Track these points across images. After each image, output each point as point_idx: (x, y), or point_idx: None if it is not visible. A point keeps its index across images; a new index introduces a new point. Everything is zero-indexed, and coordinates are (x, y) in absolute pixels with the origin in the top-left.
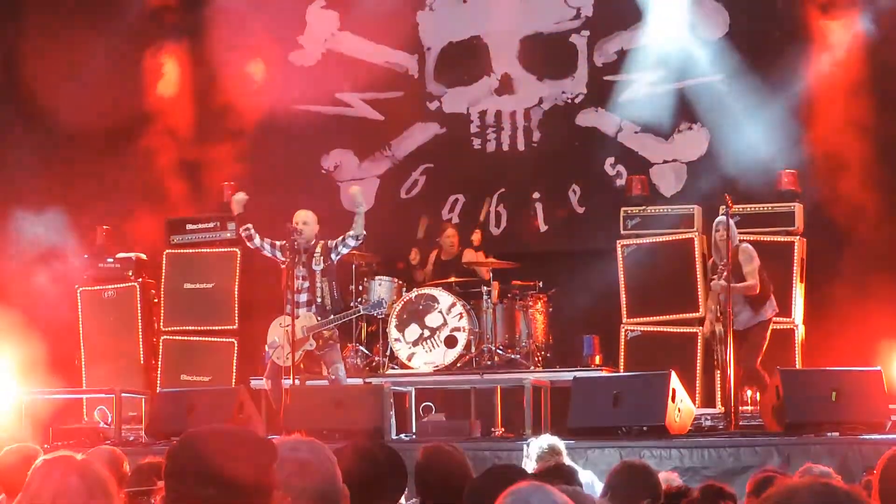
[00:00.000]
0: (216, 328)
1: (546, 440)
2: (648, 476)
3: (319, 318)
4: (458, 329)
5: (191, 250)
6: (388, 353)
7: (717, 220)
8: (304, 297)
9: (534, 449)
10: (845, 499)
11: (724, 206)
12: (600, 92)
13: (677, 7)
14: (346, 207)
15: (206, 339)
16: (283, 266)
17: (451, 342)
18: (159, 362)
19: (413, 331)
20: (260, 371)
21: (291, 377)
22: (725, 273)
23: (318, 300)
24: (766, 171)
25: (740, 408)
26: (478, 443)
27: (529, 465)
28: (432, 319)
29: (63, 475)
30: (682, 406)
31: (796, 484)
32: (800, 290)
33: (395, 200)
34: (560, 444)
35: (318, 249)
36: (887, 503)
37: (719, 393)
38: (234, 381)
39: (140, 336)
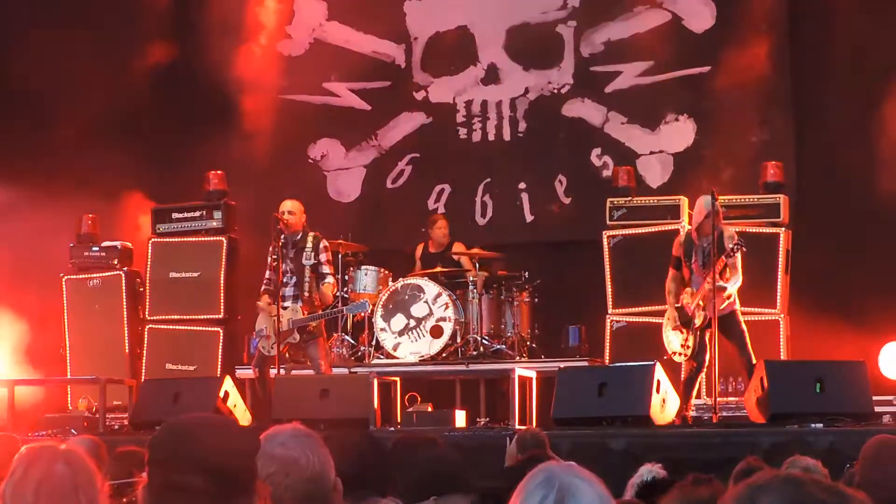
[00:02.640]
0: (201, 317)
1: (530, 433)
2: None
3: (307, 313)
4: (443, 319)
5: (176, 239)
6: (373, 342)
7: (708, 208)
8: (289, 291)
9: (517, 441)
10: (820, 492)
11: (709, 198)
12: (587, 82)
13: None
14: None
15: (192, 328)
16: (272, 265)
17: (436, 332)
18: (144, 351)
19: (399, 321)
20: (245, 360)
21: (277, 367)
22: (712, 270)
23: (306, 294)
24: (751, 163)
25: (727, 399)
26: (462, 433)
27: (513, 458)
28: (418, 310)
29: (48, 463)
30: (667, 397)
31: (773, 474)
32: (784, 281)
33: (381, 190)
34: (544, 435)
35: (310, 244)
36: (869, 490)
37: (704, 384)
38: (219, 370)
39: (125, 325)
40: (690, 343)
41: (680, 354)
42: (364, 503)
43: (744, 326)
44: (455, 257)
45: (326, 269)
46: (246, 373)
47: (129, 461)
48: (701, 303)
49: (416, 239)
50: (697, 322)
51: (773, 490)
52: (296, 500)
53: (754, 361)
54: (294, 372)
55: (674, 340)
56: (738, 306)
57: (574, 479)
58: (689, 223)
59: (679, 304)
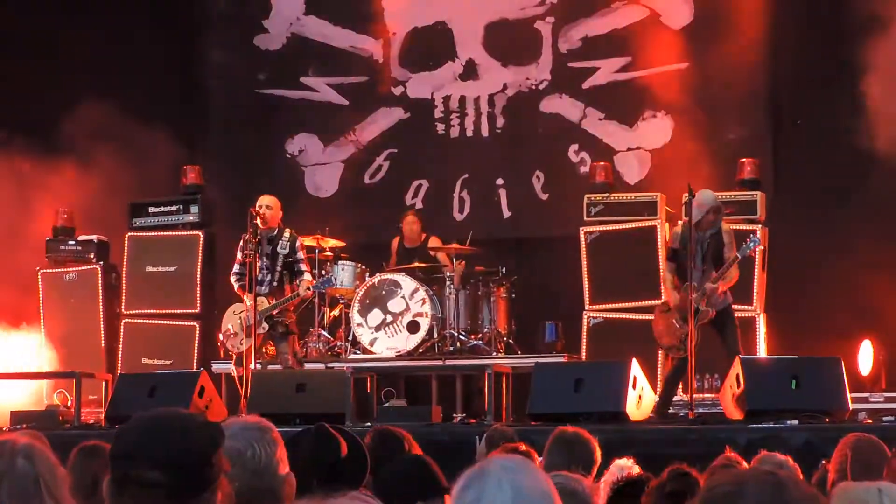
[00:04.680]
0: (178, 312)
1: (498, 430)
2: (580, 445)
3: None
4: (420, 315)
5: (153, 233)
6: (350, 338)
7: (712, 204)
8: (265, 289)
9: (485, 440)
10: (794, 489)
11: (686, 194)
12: (564, 78)
13: None
14: None
15: (168, 322)
16: (248, 259)
17: (413, 328)
18: (120, 345)
19: (375, 316)
20: (222, 355)
21: (252, 362)
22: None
23: (275, 284)
24: (729, 160)
25: (703, 395)
26: (437, 428)
27: (483, 456)
28: (395, 305)
29: (9, 457)
30: (643, 393)
31: (745, 474)
32: (761, 278)
33: (358, 186)
34: (512, 432)
35: (286, 240)
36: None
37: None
38: (195, 364)
39: (101, 319)
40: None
41: (678, 349)
42: (334, 495)
43: (737, 322)
44: (431, 252)
45: (303, 266)
46: (222, 367)
47: (93, 456)
48: (704, 298)
49: (393, 234)
50: (699, 318)
51: (754, 488)
52: (240, 491)
53: None
54: (270, 367)
55: (671, 335)
56: (729, 302)
57: (494, 467)
58: (685, 216)
59: (679, 299)
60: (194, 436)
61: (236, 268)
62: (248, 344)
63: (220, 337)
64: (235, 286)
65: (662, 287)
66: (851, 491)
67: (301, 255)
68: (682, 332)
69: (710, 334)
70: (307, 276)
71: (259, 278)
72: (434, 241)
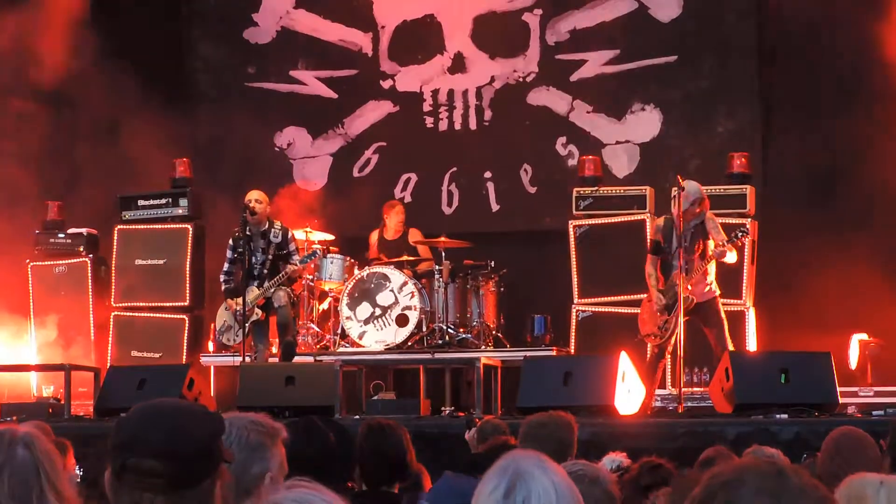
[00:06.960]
0: (167, 304)
1: (487, 422)
2: (557, 429)
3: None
4: (409, 308)
5: (142, 226)
6: (339, 331)
7: (696, 195)
8: (263, 283)
9: (476, 432)
10: (794, 478)
11: (675, 188)
12: (552, 71)
13: None
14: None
15: (158, 315)
16: (238, 256)
17: (402, 321)
18: (110, 338)
19: (364, 309)
20: (214, 348)
21: (242, 355)
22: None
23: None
24: (718, 153)
25: (692, 389)
26: (426, 421)
27: (473, 448)
28: (384, 298)
29: (9, 447)
30: (632, 387)
31: (745, 464)
32: (750, 272)
33: (347, 179)
34: (504, 424)
35: (278, 233)
36: (829, 482)
37: (670, 374)
38: (184, 357)
39: (91, 312)
40: (669, 326)
41: (656, 336)
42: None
43: (723, 315)
44: (413, 244)
45: (297, 256)
46: (210, 360)
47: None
48: (690, 287)
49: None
50: (683, 305)
51: (755, 478)
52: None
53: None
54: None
55: (651, 322)
56: (717, 293)
57: (530, 465)
58: (672, 208)
59: (663, 288)
60: (194, 425)
61: (225, 266)
62: (247, 331)
63: (215, 331)
64: (223, 286)
65: (647, 283)
66: (855, 482)
67: (293, 245)
68: (662, 319)
69: (698, 328)
70: (301, 264)
71: (255, 272)
72: (414, 234)
